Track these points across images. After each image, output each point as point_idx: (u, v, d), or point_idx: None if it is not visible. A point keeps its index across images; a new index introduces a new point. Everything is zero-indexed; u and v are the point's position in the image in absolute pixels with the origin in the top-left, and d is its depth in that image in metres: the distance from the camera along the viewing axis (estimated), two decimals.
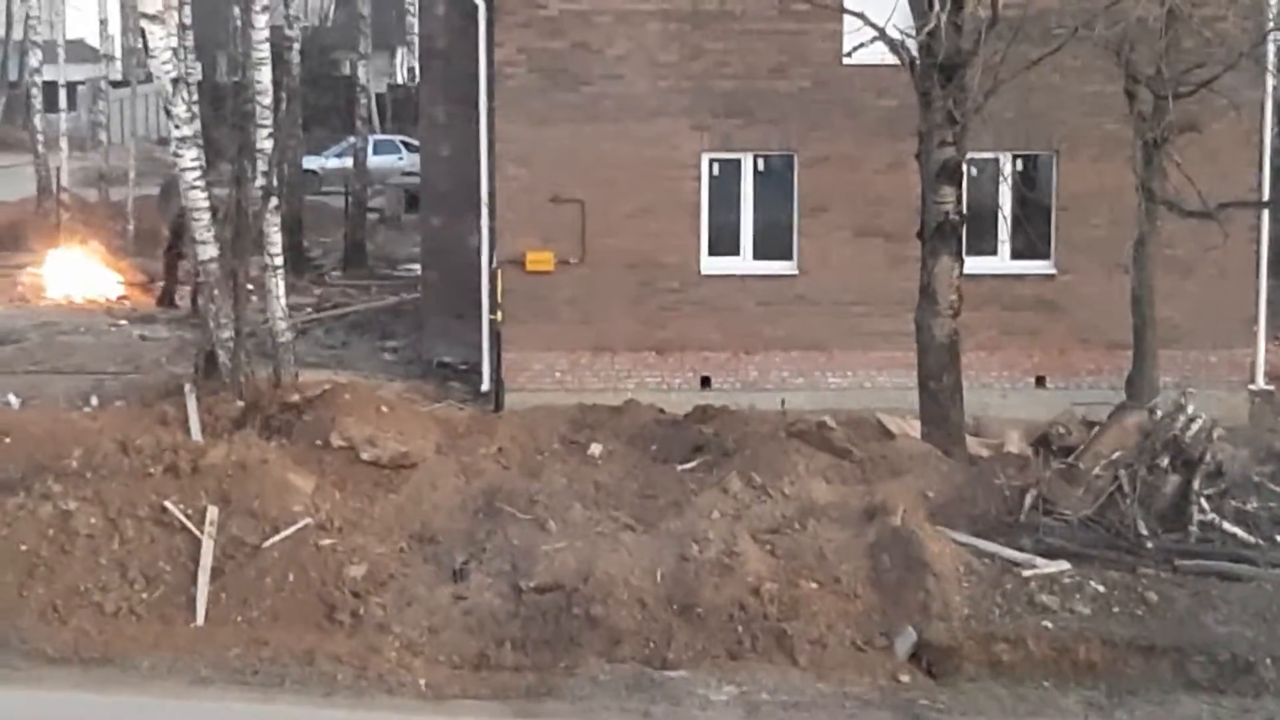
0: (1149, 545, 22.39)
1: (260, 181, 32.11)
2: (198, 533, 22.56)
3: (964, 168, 27.14)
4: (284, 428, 27.06)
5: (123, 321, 40.38)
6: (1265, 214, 31.39)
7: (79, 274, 44.94)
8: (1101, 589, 21.51)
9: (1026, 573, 21.77)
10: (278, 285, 31.77)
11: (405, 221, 54.33)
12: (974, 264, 28.72)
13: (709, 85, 30.88)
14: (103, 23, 71.03)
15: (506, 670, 20.85)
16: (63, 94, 62.03)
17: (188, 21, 43.54)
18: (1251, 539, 23.00)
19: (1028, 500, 23.41)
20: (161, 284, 43.14)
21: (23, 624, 21.62)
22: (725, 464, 25.33)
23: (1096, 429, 24.67)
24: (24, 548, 22.41)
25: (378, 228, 53.53)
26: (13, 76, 79.41)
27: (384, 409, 28.12)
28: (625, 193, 30.91)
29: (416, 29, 50.69)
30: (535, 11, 30.70)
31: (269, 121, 32.76)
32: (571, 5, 30.74)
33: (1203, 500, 23.27)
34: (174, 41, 31.78)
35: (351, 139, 54.54)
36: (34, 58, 59.53)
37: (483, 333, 32.24)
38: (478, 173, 31.94)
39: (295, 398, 28.59)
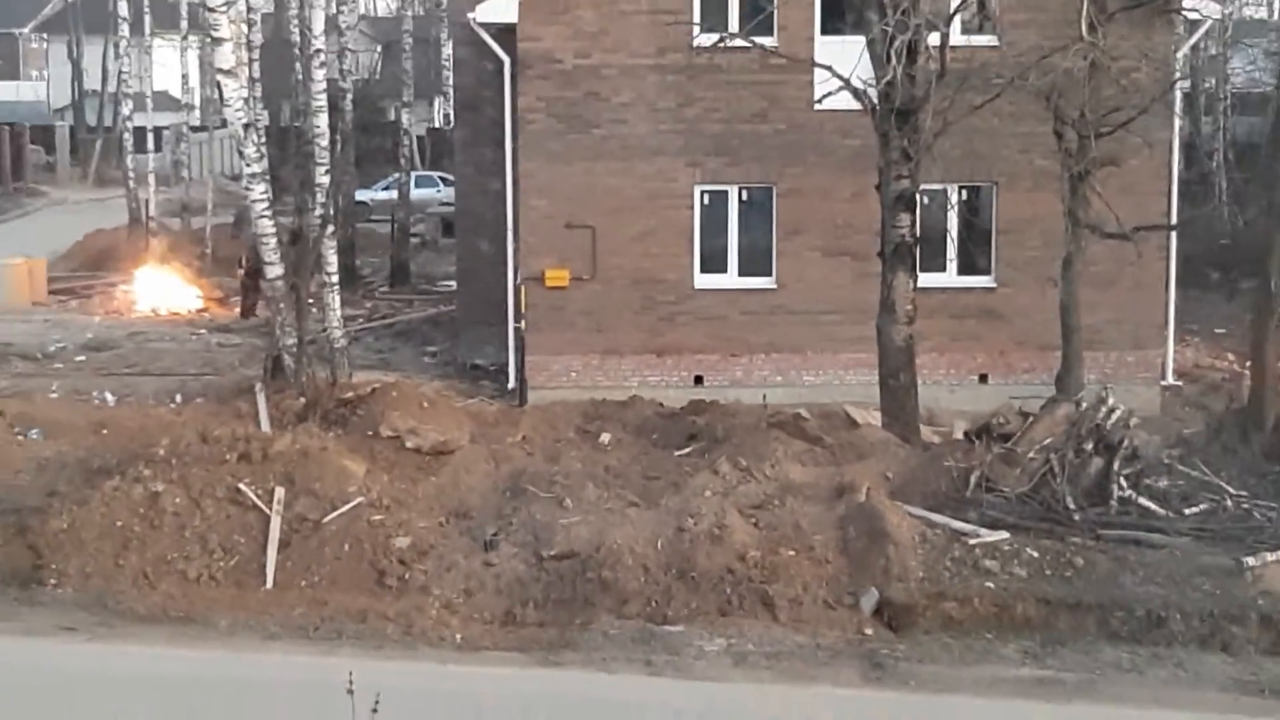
0: (1076, 518, 22.44)
1: (319, 211, 32.23)
2: (267, 510, 22.62)
3: (917, 197, 27.12)
4: (340, 420, 27.26)
5: (202, 331, 40.45)
6: (1173, 235, 31.43)
7: (164, 290, 44.97)
8: (1035, 555, 21.56)
9: (972, 541, 21.82)
10: (334, 299, 31.92)
11: (442, 245, 54.27)
12: (926, 279, 28.72)
13: (700, 128, 30.92)
14: (184, 77, 70.76)
15: (530, 626, 20.94)
16: (150, 138, 62.01)
17: (256, 75, 43.84)
18: (1163, 512, 23.07)
19: (972, 480, 23.48)
20: (240, 299, 43.15)
21: (118, 589, 21.71)
22: (715, 450, 25.45)
23: (1031, 419, 24.68)
24: (119, 524, 22.45)
25: (419, 250, 53.47)
26: (108, 123, 79.20)
27: (425, 404, 28.21)
28: (629, 220, 30.98)
29: (451, 81, 50.62)
30: (552, 66, 30.75)
31: (326, 160, 32.94)
32: (583, 61, 30.79)
33: (1121, 479, 23.34)
34: (245, 92, 31.94)
35: (396, 175, 54.42)
36: (126, 107, 59.42)
37: (509, 339, 32.34)
38: (504, 203, 32.00)
39: (349, 395, 28.72)
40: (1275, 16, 49.22)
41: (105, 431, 27.54)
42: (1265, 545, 21.62)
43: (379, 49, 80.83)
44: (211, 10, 31.39)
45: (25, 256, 46.89)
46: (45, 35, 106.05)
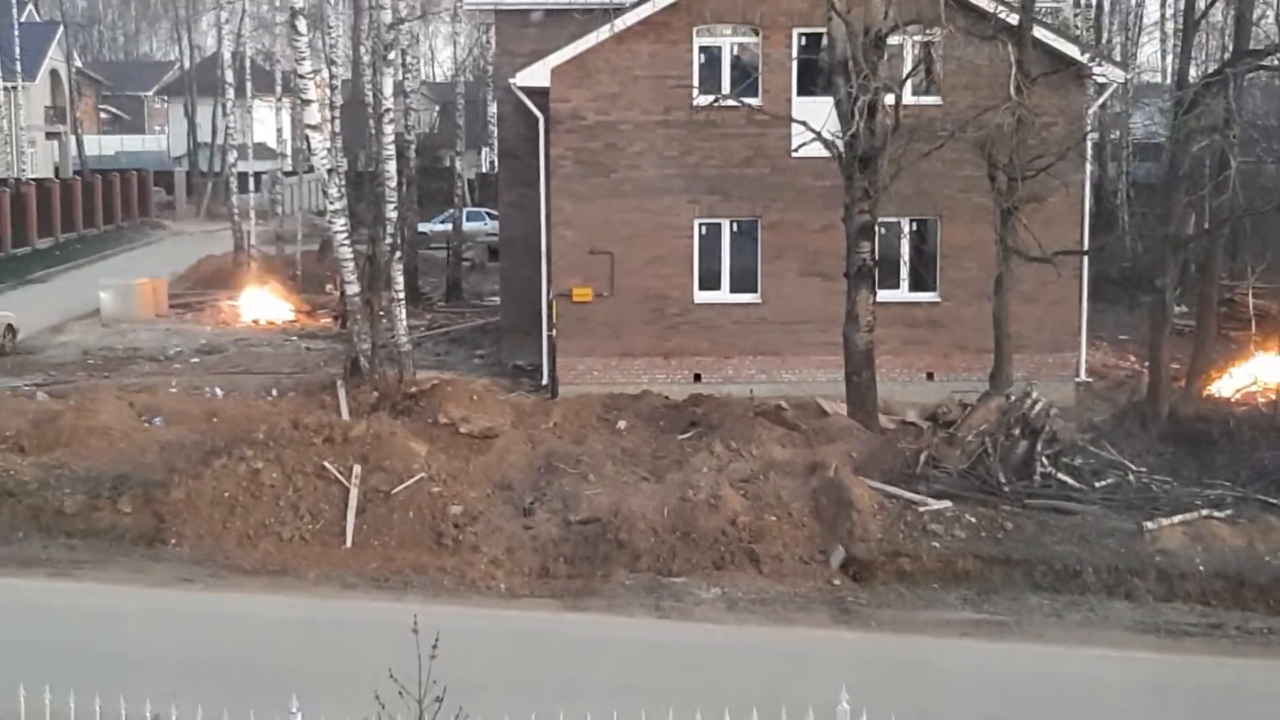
0: (1006, 490, 22.37)
1: (388, 240, 32.24)
2: (346, 483, 22.61)
3: (876, 228, 27.10)
4: (406, 410, 27.30)
5: (293, 337, 40.43)
6: (1085, 259, 31.37)
7: (263, 305, 44.98)
8: (973, 520, 21.51)
9: (921, 509, 21.76)
10: (401, 312, 31.93)
11: (488, 267, 54.24)
12: (884, 295, 28.69)
13: (699, 172, 30.86)
14: (278, 131, 71.16)
15: (561, 578, 20.93)
16: (251, 181, 61.97)
17: (338, 130, 43.72)
18: (1077, 485, 23.00)
19: (921, 459, 23.43)
20: (337, 312, 43.11)
21: (226, 547, 21.71)
22: (711, 434, 25.41)
23: (969, 409, 24.63)
24: (226, 494, 22.45)
25: (469, 272, 53.47)
26: (217, 169, 79.30)
27: (474, 397, 28.26)
28: (641, 247, 30.93)
29: (496, 134, 50.61)
30: (578, 122, 30.73)
31: (394, 199, 32.98)
32: (603, 118, 30.77)
33: (1043, 458, 23.28)
34: (328, 144, 31.96)
35: (451, 210, 54.41)
36: (231, 156, 59.52)
37: (543, 344, 32.30)
38: (539, 233, 31.95)
39: (413, 389, 28.78)
40: (1168, 80, 49.19)
41: (215, 419, 27.56)
42: (1161, 512, 21.59)
43: (437, 108, 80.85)
44: (301, 77, 31.47)
45: (150, 277, 46.98)
46: (166, 97, 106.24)
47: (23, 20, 77.38)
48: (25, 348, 37.74)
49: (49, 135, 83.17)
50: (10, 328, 37.83)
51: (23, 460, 24.64)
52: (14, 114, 70.19)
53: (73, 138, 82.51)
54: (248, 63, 69.43)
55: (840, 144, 26.34)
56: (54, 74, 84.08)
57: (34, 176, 69.93)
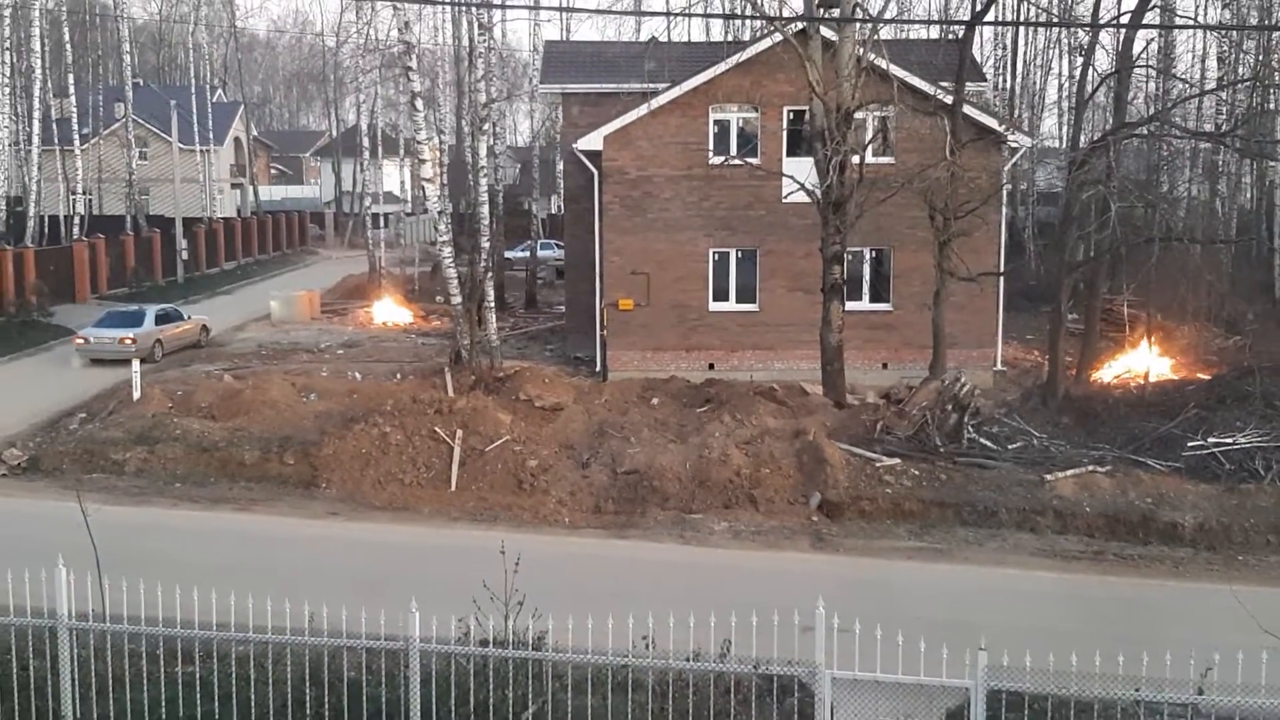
0: (941, 450, 22.38)
1: (483, 264, 32.34)
2: (451, 443, 22.73)
3: (844, 256, 27.10)
4: (495, 390, 27.42)
5: (412, 335, 40.58)
6: (1001, 279, 31.20)
7: (390, 311, 45.17)
8: (916, 473, 21.50)
9: (877, 464, 21.77)
10: (492, 317, 32.08)
11: (556, 284, 54.36)
12: (851, 305, 28.72)
13: (713, 214, 30.82)
14: (401, 182, 71.29)
15: (609, 514, 21.05)
16: (381, 219, 62.29)
17: (445, 181, 43.81)
18: (994, 447, 23.00)
19: (878, 427, 23.47)
20: (439, 315, 43.35)
21: (363, 491, 21.88)
22: (721, 409, 25.42)
23: (913, 390, 24.62)
24: (363, 451, 22.63)
25: (543, 287, 53.55)
26: (356, 210, 79.62)
27: (546, 380, 28.42)
28: (670, 269, 30.91)
29: (562, 184, 50.66)
30: (623, 176, 30.72)
31: (487, 233, 33.07)
32: (641, 172, 30.75)
33: (969, 427, 23.28)
34: (438, 192, 32.04)
35: (529, 241, 54.54)
36: (366, 200, 59.75)
37: (597, 341, 32.35)
38: (594, 258, 32.00)
39: (500, 374, 28.91)
40: (1064, 144, 49.01)
41: (354, 395, 27.75)
42: (1057, 467, 21.59)
43: (518, 165, 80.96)
44: (418, 143, 31.61)
45: (307, 290, 47.21)
46: (318, 158, 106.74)
47: (214, 101, 77.91)
48: (215, 342, 38.02)
49: (233, 185, 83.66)
50: (205, 328, 38.14)
51: (214, 425, 24.96)
52: (208, 170, 70.66)
53: (250, 187, 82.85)
54: (379, 132, 69.70)
55: (818, 193, 26.36)
56: (237, 141, 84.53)
57: (222, 216, 70.52)
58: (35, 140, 52.82)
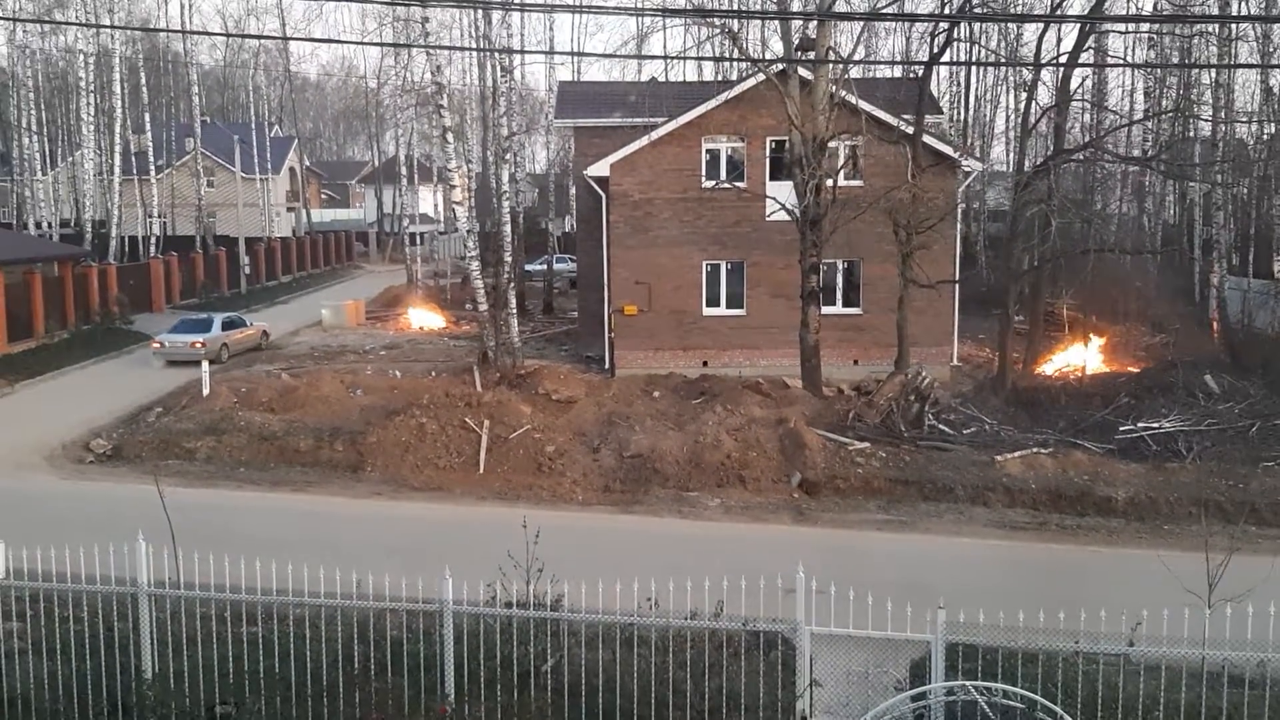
0: (905, 435, 22.34)
1: (506, 275, 32.32)
2: (479, 431, 22.72)
3: (820, 266, 27.05)
4: (517, 385, 27.34)
5: (444, 338, 40.59)
6: (956, 286, 31.13)
7: (425, 318, 45.19)
8: (884, 455, 21.47)
9: (850, 448, 21.73)
10: (514, 322, 32.10)
11: (570, 293, 54.30)
12: (826, 309, 28.48)
13: (706, 230, 30.73)
14: (435, 205, 71.27)
15: (617, 493, 21.01)
16: (418, 238, 62.29)
17: (473, 204, 43.79)
18: (951, 432, 22.95)
19: (850, 415, 23.43)
20: (468, 321, 43.34)
21: (402, 474, 21.87)
22: (714, 401, 25.36)
23: (881, 383, 24.60)
24: (403, 439, 22.62)
25: (558, 295, 53.47)
26: (395, 230, 79.62)
27: (562, 376, 28.34)
28: (668, 279, 30.84)
29: (574, 207, 50.67)
30: (627, 199, 30.65)
31: (509, 249, 33.04)
32: (643, 195, 30.67)
33: (930, 415, 23.24)
34: (467, 213, 32.00)
35: (546, 256, 54.51)
36: (405, 221, 59.84)
37: (605, 342, 32.34)
38: (602, 271, 31.96)
39: (522, 372, 28.82)
40: (1010, 168, 48.96)
41: (395, 390, 27.67)
42: (1006, 449, 21.55)
43: (536, 190, 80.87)
44: (449, 171, 31.58)
45: (353, 299, 47.23)
46: (362, 184, 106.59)
47: (272, 135, 77.90)
48: (274, 346, 38.03)
49: (289, 209, 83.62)
50: (265, 333, 38.17)
51: (273, 417, 24.95)
52: (267, 196, 70.63)
53: (304, 210, 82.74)
54: (415, 162, 69.71)
55: (797, 212, 26.34)
56: (292, 170, 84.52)
57: (279, 235, 70.45)
58: (117, 171, 52.84)
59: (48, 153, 58.58)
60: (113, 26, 50.16)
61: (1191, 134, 42.02)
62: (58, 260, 39.94)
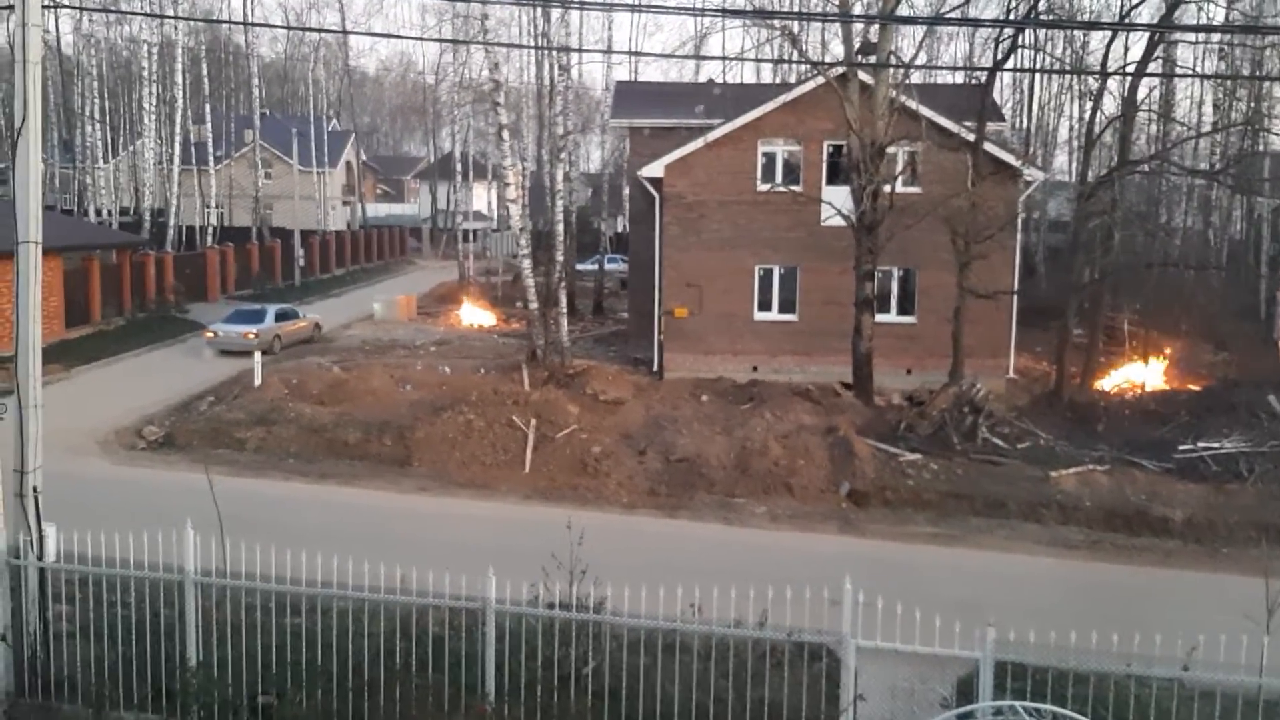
0: (958, 448, 22.15)
1: (557, 274, 32.39)
2: (526, 430, 22.80)
3: (875, 274, 26.87)
4: (565, 384, 27.43)
5: (494, 335, 40.83)
6: (1015, 297, 30.75)
7: (476, 314, 45.47)
8: (935, 468, 21.29)
9: (901, 459, 21.58)
10: (564, 321, 32.14)
11: (621, 293, 54.40)
12: (880, 317, 28.38)
13: (759, 235, 30.62)
14: (489, 202, 71.62)
15: (662, 496, 20.98)
16: (471, 234, 62.70)
17: (526, 202, 44.03)
18: (1005, 446, 22.71)
19: (901, 425, 23.26)
20: (519, 319, 43.51)
21: (449, 470, 22.00)
22: (762, 406, 25.32)
23: (934, 393, 24.38)
24: (450, 435, 22.76)
25: (609, 296, 53.62)
26: (449, 226, 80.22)
27: (610, 377, 28.38)
28: (720, 282, 30.77)
29: (628, 207, 50.75)
30: (680, 199, 30.63)
31: (561, 248, 33.12)
32: (697, 197, 30.63)
33: (983, 428, 23.01)
34: (520, 211, 32.15)
35: (598, 255, 54.67)
36: (458, 218, 60.26)
37: (655, 344, 32.33)
38: (654, 272, 31.95)
39: (570, 371, 28.93)
40: (1073, 178, 48.29)
41: (444, 386, 27.86)
42: (1061, 465, 21.28)
43: (590, 189, 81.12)
44: (504, 169, 31.75)
45: (405, 294, 47.66)
46: (417, 180, 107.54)
47: (329, 129, 78.81)
48: (325, 338, 38.46)
49: (344, 203, 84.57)
50: (317, 325, 38.62)
51: (323, 409, 25.22)
52: (323, 190, 71.47)
53: (359, 204, 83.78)
54: (470, 159, 70.19)
55: (853, 218, 26.17)
56: (348, 164, 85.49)
57: (334, 229, 71.26)
58: (176, 161, 53.73)
59: (110, 141, 59.61)
60: (176, 17, 51.08)
61: (1261, 148, 41.23)
62: (116, 248, 40.71)
